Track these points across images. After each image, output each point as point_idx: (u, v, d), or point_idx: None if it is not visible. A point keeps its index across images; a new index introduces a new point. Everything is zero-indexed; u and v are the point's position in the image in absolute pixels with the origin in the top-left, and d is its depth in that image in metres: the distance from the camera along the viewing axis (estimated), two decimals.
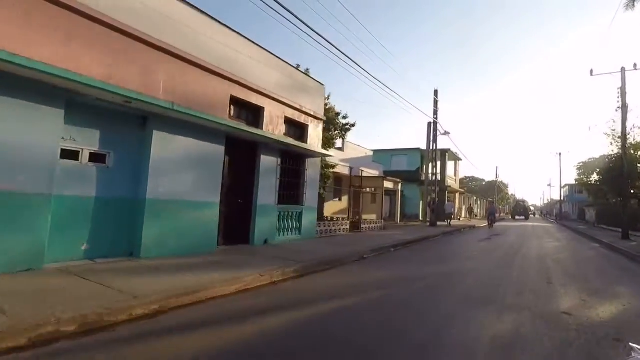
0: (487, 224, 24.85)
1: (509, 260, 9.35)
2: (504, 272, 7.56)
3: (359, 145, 23.74)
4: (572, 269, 8.40)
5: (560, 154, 54.31)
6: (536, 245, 13.90)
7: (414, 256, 10.06)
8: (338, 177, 20.76)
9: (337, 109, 16.77)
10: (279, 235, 10.17)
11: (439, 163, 31.62)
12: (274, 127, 9.86)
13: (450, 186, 29.47)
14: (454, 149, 31.78)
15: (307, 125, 11.36)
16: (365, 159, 23.90)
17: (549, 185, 78.01)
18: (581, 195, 61.95)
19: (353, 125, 17.05)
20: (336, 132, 16.93)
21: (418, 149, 30.74)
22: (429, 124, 22.78)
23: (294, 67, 11.06)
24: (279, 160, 10.05)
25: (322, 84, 12.21)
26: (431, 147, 22.36)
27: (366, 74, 31.34)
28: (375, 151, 32.07)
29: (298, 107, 10.79)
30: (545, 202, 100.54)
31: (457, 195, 34.60)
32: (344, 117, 16.77)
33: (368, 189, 23.70)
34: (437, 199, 29.31)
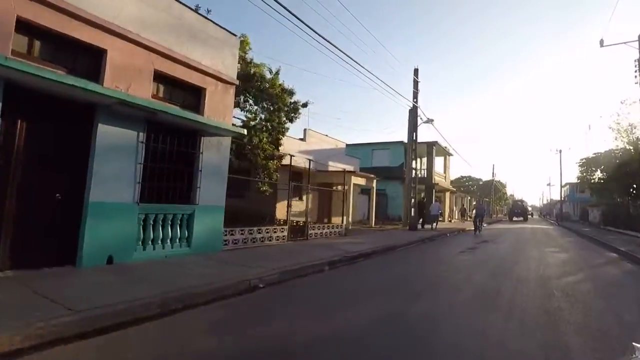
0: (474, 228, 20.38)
1: (493, 292, 5.86)
2: (478, 329, 4.06)
3: (327, 135, 20.27)
4: (600, 313, 4.89)
5: (560, 150, 51.07)
6: (536, 257, 10.41)
7: (347, 283, 6.59)
8: (297, 172, 17.29)
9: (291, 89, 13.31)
10: (145, 248, 6.68)
11: (424, 159, 28.19)
12: (129, 82, 6.35)
13: (437, 183, 26.01)
14: (443, 143, 28.29)
15: (204, 89, 7.86)
16: (335, 152, 20.44)
17: (549, 184, 74.44)
18: (583, 194, 58.73)
19: (305, 105, 13.59)
20: (282, 112, 13.47)
21: (401, 142, 27.28)
22: (410, 111, 19.31)
23: (183, 4, 7.55)
24: (144, 135, 6.57)
25: (234, 34, 8.74)
26: (412, 138, 18.90)
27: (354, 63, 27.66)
28: (352, 145, 28.75)
29: (184, 59, 7.30)
30: (545, 202, 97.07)
31: (448, 194, 31.10)
32: (291, 93, 13.28)
33: (340, 187, 20.36)
34: (424, 198, 25.90)
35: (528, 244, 14.51)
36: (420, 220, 21.97)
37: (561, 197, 53.39)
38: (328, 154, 19.55)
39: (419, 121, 20.20)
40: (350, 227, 17.46)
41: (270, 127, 13.27)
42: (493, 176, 54.51)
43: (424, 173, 26.73)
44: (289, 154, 12.09)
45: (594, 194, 40.42)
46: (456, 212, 37.49)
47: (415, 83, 18.75)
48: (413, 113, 18.76)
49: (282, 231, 10.72)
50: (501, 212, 68.72)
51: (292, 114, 13.44)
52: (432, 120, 19.95)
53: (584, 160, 40.42)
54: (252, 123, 12.88)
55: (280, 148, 14.61)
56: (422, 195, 27.26)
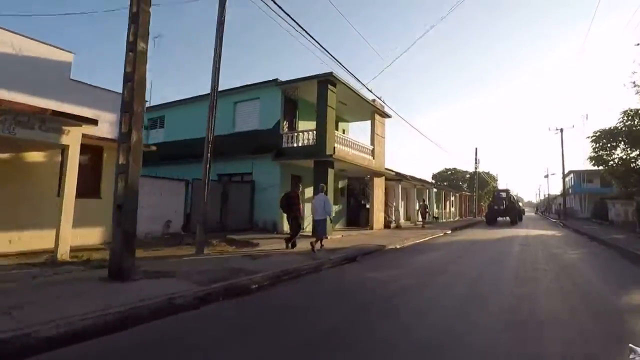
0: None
1: None
2: None
3: None
4: None
5: (561, 129, 38.83)
6: None
7: None
8: None
9: None
10: None
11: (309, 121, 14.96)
12: None
13: (334, 155, 13.23)
14: (369, 96, 15.38)
15: None
16: (19, 62, 7.61)
17: (547, 175, 62.12)
18: (591, 184, 46.37)
19: None
20: None
21: (275, 82, 14.56)
22: None
23: None
24: None
25: None
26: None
27: None
28: (198, 97, 15.90)
29: None
30: (542, 197, 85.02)
31: (381, 182, 18.32)
32: None
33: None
34: (298, 188, 12.93)
35: None
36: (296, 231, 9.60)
37: (564, 187, 41.00)
38: None
39: None
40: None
41: None
42: (476, 163, 41.85)
43: (310, 139, 13.97)
44: None
45: (615, 181, 28.16)
46: (415, 211, 24.82)
47: None
48: None
49: None
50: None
51: None
52: None
53: (598, 134, 27.93)
54: None
55: None
56: (309, 185, 14.57)
